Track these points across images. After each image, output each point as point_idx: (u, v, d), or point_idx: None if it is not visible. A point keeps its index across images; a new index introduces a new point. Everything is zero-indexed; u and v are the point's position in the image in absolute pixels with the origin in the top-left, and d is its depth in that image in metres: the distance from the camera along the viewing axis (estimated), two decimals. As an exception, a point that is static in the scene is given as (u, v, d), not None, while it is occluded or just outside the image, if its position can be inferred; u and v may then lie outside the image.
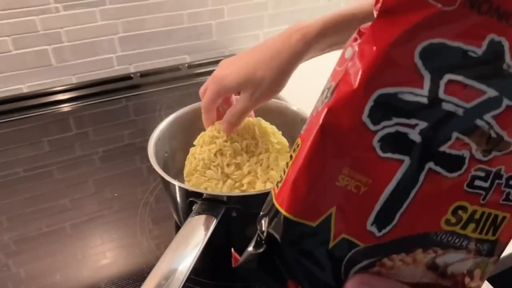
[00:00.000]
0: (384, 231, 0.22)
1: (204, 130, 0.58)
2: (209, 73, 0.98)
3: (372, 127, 0.21)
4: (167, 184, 0.51)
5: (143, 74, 0.98)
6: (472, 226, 0.23)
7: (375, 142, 0.21)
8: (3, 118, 0.85)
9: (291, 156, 0.23)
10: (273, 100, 0.67)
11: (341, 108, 0.21)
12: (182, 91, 0.94)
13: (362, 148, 0.21)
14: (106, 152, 0.76)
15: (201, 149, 0.55)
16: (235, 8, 1.01)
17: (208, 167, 0.54)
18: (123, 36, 0.95)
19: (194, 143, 0.57)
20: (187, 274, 0.39)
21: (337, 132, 0.21)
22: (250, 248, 0.24)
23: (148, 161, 0.51)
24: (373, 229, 0.22)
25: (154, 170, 0.50)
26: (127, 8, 0.92)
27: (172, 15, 0.97)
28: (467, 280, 0.25)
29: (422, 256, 0.23)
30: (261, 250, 0.24)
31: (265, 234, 0.24)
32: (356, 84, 0.20)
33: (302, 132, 0.23)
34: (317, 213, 0.22)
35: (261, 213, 0.24)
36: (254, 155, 0.55)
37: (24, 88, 0.91)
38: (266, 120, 0.62)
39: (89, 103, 0.90)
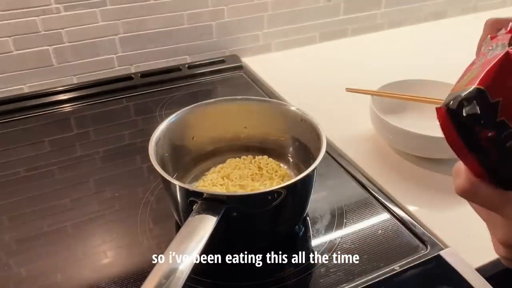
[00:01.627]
0: None
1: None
2: (209, 73, 1.00)
3: None
4: (167, 183, 0.51)
5: (144, 75, 0.98)
6: None
7: None
8: (4, 118, 0.85)
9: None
10: (273, 100, 0.67)
11: None
12: (182, 91, 0.94)
13: None
14: (107, 152, 0.76)
15: (211, 175, 0.61)
16: (235, 9, 1.02)
17: (214, 185, 0.58)
18: (123, 37, 0.95)
19: (206, 173, 0.62)
20: (188, 273, 0.40)
21: None
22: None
23: (149, 161, 0.52)
24: None
25: (154, 170, 0.50)
26: (127, 9, 0.92)
27: (173, 16, 0.97)
28: None
29: None
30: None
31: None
32: None
33: (472, 67, 0.28)
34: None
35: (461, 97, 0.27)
36: (259, 181, 0.59)
37: (25, 88, 0.92)
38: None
39: (90, 103, 0.90)
